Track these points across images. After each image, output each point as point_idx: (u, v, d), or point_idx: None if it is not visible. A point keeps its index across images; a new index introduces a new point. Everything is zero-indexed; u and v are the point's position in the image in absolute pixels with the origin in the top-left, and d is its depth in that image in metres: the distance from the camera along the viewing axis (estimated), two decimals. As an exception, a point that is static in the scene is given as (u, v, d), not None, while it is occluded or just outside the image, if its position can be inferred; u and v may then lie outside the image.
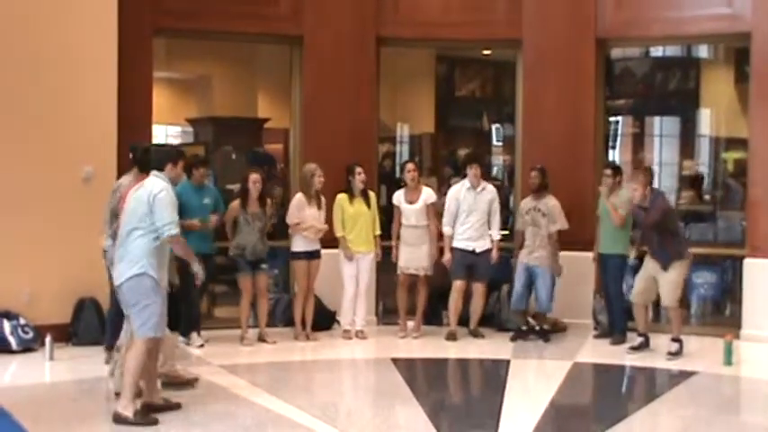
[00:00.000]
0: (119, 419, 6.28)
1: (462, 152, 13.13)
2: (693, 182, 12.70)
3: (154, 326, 6.32)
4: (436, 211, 9.72)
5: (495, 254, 9.57)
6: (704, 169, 13.23)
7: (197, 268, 6.69)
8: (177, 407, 6.67)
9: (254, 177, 9.17)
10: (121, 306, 6.55)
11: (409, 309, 9.76)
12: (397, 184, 9.89)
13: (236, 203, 9.17)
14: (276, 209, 9.70)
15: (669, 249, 8.66)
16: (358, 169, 9.47)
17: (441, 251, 9.68)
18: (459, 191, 9.67)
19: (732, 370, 8.34)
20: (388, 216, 9.91)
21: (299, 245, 9.37)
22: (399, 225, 9.63)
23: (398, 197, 9.70)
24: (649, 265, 8.80)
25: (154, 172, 6.51)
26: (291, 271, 9.81)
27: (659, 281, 8.72)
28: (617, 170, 9.70)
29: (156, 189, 6.36)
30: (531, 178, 9.60)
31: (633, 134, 13.77)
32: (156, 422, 6.33)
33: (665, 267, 8.64)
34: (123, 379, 6.44)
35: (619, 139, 13.36)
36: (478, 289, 9.60)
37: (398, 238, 9.62)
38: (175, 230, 6.33)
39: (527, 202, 9.65)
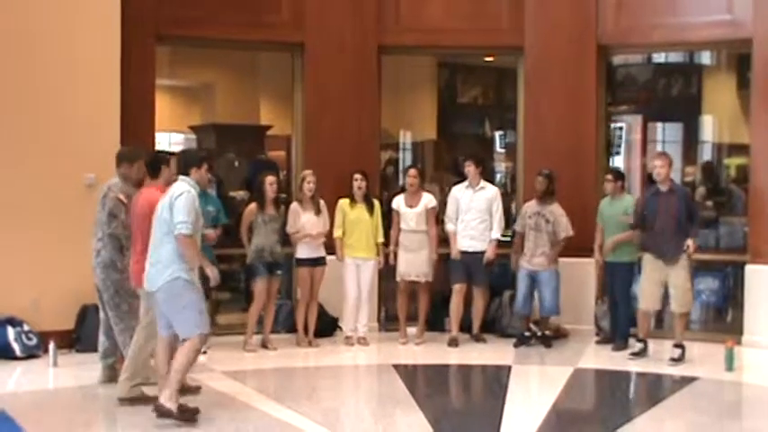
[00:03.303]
0: (161, 411, 6.31)
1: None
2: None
3: (197, 323, 6.40)
4: (436, 216, 9.75)
5: (490, 253, 9.53)
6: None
7: (209, 272, 6.71)
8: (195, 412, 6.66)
9: (271, 179, 9.21)
10: (154, 311, 6.62)
11: (411, 315, 9.78)
12: (402, 190, 9.91)
13: (252, 206, 9.20)
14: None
15: (681, 239, 8.65)
16: (355, 176, 9.50)
17: (440, 256, 9.70)
18: (459, 189, 9.72)
19: (734, 376, 8.35)
20: (390, 222, 9.89)
21: (302, 252, 9.40)
22: (398, 230, 9.65)
23: (398, 201, 9.72)
24: (653, 267, 8.78)
25: (181, 176, 6.65)
26: (294, 278, 9.83)
27: (669, 284, 8.71)
28: (618, 175, 9.72)
29: (176, 192, 6.48)
30: (538, 183, 9.57)
31: (636, 140, 13.77)
32: (194, 421, 6.38)
33: (676, 259, 8.63)
34: (169, 374, 6.42)
35: (623, 144, 13.37)
36: (478, 293, 9.62)
37: (397, 243, 9.63)
38: (186, 230, 6.35)
39: (531, 206, 9.60)
